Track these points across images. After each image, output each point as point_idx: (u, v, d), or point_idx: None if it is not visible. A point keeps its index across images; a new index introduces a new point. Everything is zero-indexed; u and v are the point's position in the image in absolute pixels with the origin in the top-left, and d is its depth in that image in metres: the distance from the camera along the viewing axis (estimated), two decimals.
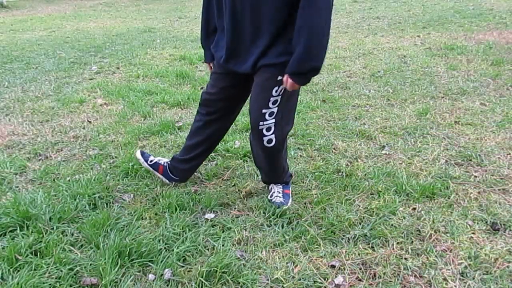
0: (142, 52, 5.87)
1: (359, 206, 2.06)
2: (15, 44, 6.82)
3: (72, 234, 1.92)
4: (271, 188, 2.14)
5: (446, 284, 1.57)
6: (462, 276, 1.61)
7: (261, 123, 1.79)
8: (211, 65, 2.04)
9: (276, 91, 1.75)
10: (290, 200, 2.10)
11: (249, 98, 1.93)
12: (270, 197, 2.10)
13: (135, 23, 9.13)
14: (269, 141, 1.84)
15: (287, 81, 1.69)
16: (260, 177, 2.24)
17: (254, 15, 1.65)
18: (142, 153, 2.33)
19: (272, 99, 1.76)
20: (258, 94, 1.79)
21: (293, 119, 1.93)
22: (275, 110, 1.79)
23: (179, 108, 3.54)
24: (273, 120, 1.80)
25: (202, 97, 2.04)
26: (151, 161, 2.30)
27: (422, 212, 1.99)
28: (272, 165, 2.02)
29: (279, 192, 2.11)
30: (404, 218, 1.95)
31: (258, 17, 1.65)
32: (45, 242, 1.82)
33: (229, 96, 1.98)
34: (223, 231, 1.92)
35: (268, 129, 1.81)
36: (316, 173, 2.36)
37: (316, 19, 1.56)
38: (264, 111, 1.78)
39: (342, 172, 2.38)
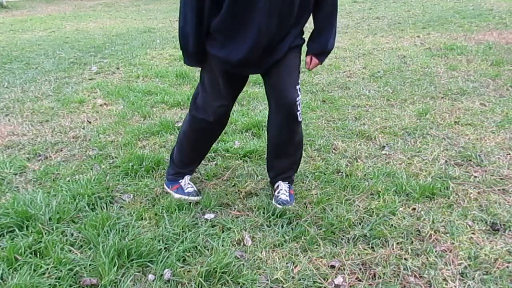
0: (142, 52, 5.87)
1: (359, 206, 2.05)
2: (14, 45, 6.82)
3: (72, 235, 1.92)
4: (278, 185, 2.14)
5: (446, 284, 1.57)
6: (462, 276, 1.61)
7: (297, 98, 1.94)
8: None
9: (300, 68, 1.99)
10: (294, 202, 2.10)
11: (272, 80, 1.95)
12: (277, 193, 2.10)
13: (135, 23, 9.13)
14: (299, 115, 1.98)
15: (312, 60, 1.99)
16: (268, 174, 2.22)
17: (289, 8, 1.76)
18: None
19: (300, 75, 1.99)
20: (290, 73, 1.92)
21: None
22: (300, 84, 1.99)
23: (179, 108, 3.54)
24: (300, 93, 1.98)
25: (214, 110, 1.98)
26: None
27: (422, 212, 1.99)
28: (300, 144, 2.12)
29: (286, 191, 2.11)
30: (404, 218, 1.95)
31: (292, 8, 1.76)
32: (45, 242, 1.82)
33: (237, 94, 2.05)
34: (222, 231, 1.92)
35: (299, 104, 1.96)
36: (316, 173, 2.36)
37: (337, 6, 1.90)
38: (297, 87, 1.95)
39: (342, 172, 2.38)
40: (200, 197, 2.14)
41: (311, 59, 1.99)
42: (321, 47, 1.96)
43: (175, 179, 2.20)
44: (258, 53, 1.81)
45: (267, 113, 2.09)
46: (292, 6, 1.75)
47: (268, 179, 2.26)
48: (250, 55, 1.81)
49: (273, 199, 2.09)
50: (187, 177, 2.21)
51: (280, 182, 2.15)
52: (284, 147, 2.08)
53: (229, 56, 1.83)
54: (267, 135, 2.16)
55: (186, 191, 2.15)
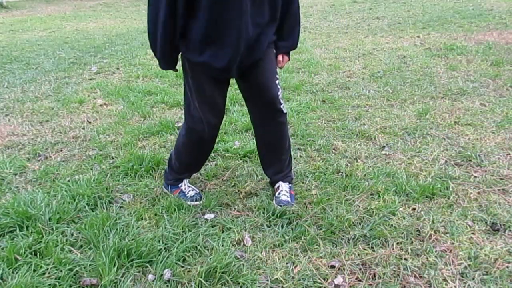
0: (142, 52, 5.87)
1: (359, 206, 2.05)
2: (14, 45, 6.82)
3: (72, 235, 1.92)
4: (279, 186, 2.14)
5: (445, 284, 1.57)
6: (462, 276, 1.61)
7: (278, 93, 1.98)
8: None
9: (276, 62, 2.02)
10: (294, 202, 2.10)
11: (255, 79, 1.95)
12: (278, 194, 2.10)
13: (135, 23, 9.13)
14: (283, 107, 2.02)
15: (284, 58, 2.01)
16: (267, 175, 2.23)
17: (259, 7, 1.77)
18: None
19: (277, 70, 2.01)
20: (269, 69, 1.94)
21: None
22: (278, 78, 2.02)
23: (179, 108, 3.54)
24: (280, 87, 2.00)
25: (209, 122, 1.96)
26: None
27: (422, 212, 1.99)
28: (288, 134, 2.12)
29: (287, 191, 2.11)
30: (404, 218, 1.95)
31: (262, 7, 1.78)
32: (45, 242, 1.82)
33: (225, 99, 2.04)
34: (222, 232, 1.92)
35: (282, 98, 2.01)
36: (316, 174, 2.36)
37: (298, 3, 1.93)
38: (277, 81, 1.98)
39: (342, 172, 2.38)
40: (203, 200, 2.14)
41: (283, 57, 2.01)
42: (293, 45, 1.99)
43: (175, 183, 2.21)
44: (239, 56, 1.79)
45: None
46: (262, 6, 1.76)
47: (268, 179, 2.26)
48: (232, 59, 1.79)
49: (274, 200, 2.09)
50: (186, 181, 2.21)
51: (280, 183, 2.15)
52: (276, 142, 2.09)
53: (212, 62, 1.80)
54: (256, 135, 2.16)
55: (188, 195, 2.15)
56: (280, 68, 2.04)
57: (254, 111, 2.06)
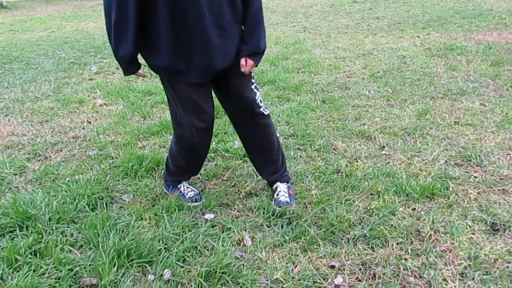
0: None
1: (359, 206, 2.05)
2: (14, 45, 6.82)
3: (72, 235, 1.92)
4: (277, 187, 2.14)
5: (445, 284, 1.57)
6: (462, 276, 1.61)
7: (256, 97, 1.94)
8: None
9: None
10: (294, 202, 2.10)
11: (230, 87, 1.92)
12: (276, 196, 2.10)
13: None
14: (264, 109, 1.99)
15: (247, 62, 1.84)
16: (263, 177, 2.23)
17: (219, 9, 1.72)
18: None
19: (252, 73, 1.95)
20: (242, 74, 1.87)
21: None
22: (255, 83, 1.98)
23: None
24: (257, 90, 1.97)
25: (197, 129, 1.91)
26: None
27: (422, 212, 1.99)
28: (275, 140, 2.10)
29: (285, 192, 2.11)
30: (404, 218, 1.95)
31: (221, 8, 1.72)
32: (45, 242, 1.82)
33: (212, 102, 1.98)
34: (222, 232, 1.92)
35: (261, 100, 1.97)
36: (315, 174, 2.36)
37: (259, 3, 1.83)
38: (252, 86, 1.95)
39: (342, 172, 2.38)
40: (203, 200, 2.13)
41: (246, 61, 1.85)
42: (255, 48, 1.84)
43: (174, 185, 2.21)
44: (206, 57, 1.75)
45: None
46: (222, 7, 1.71)
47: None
48: (193, 62, 1.75)
49: (273, 202, 2.09)
50: (184, 182, 2.21)
51: (278, 184, 2.15)
52: (263, 144, 2.08)
53: (176, 66, 1.76)
54: (242, 141, 2.15)
55: (187, 196, 2.15)
56: (244, 73, 1.86)
57: (234, 118, 2.05)
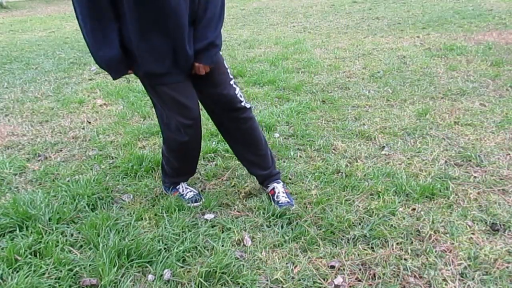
0: None
1: (359, 206, 2.05)
2: (14, 45, 6.82)
3: (72, 235, 1.92)
4: (274, 188, 2.13)
5: (445, 284, 1.57)
6: (462, 276, 1.61)
7: (236, 92, 1.94)
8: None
9: (225, 64, 1.95)
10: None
11: (206, 84, 1.91)
12: (276, 198, 2.09)
13: None
14: (245, 104, 1.99)
15: (199, 64, 1.80)
16: (255, 173, 2.21)
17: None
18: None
19: (228, 70, 1.96)
20: (219, 71, 1.88)
21: None
22: (233, 78, 1.98)
23: None
24: (236, 86, 1.97)
25: (185, 128, 1.88)
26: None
27: (422, 212, 1.99)
28: (261, 134, 2.11)
29: (283, 192, 2.11)
30: (404, 218, 1.95)
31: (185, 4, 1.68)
32: (45, 242, 1.82)
33: (196, 98, 1.94)
34: (222, 232, 1.92)
35: (241, 95, 1.98)
36: (315, 174, 2.36)
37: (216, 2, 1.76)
38: (231, 82, 1.94)
39: (342, 172, 2.38)
40: (203, 200, 2.13)
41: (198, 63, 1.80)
42: (202, 48, 1.76)
43: (172, 186, 2.21)
44: (180, 56, 1.73)
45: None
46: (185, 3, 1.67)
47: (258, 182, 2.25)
48: (171, 61, 1.74)
49: (273, 204, 2.08)
50: (183, 183, 2.21)
51: (275, 185, 2.15)
52: (250, 138, 2.08)
53: (152, 69, 1.74)
54: (228, 140, 2.15)
55: (186, 197, 2.15)
56: (198, 74, 1.84)
57: (217, 118, 2.04)
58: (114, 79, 1.78)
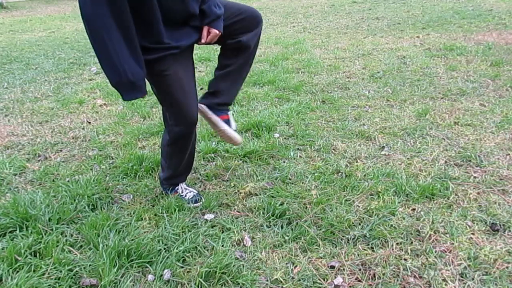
0: None
1: (359, 206, 2.06)
2: (14, 45, 6.82)
3: (72, 235, 1.92)
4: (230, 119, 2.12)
5: (445, 284, 1.57)
6: (462, 276, 1.61)
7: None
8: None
9: None
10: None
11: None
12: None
13: None
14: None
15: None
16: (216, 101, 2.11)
17: None
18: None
19: None
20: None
21: None
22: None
23: None
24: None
25: (194, 113, 1.89)
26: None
27: (422, 212, 1.99)
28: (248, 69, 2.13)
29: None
30: (404, 218, 1.95)
31: None
32: (45, 242, 1.82)
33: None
34: (222, 232, 1.92)
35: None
36: (315, 174, 2.36)
37: None
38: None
39: (342, 172, 2.38)
40: (203, 200, 2.13)
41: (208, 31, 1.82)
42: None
43: (172, 187, 2.21)
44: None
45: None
46: None
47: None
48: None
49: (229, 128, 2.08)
50: (182, 184, 2.21)
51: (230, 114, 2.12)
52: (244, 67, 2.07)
53: (179, 42, 1.73)
54: (234, 62, 2.05)
55: (186, 198, 2.15)
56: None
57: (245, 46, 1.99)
58: (130, 99, 1.68)
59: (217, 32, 1.81)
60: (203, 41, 1.83)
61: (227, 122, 2.09)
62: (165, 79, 1.79)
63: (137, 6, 1.57)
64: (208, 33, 1.81)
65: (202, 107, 2.04)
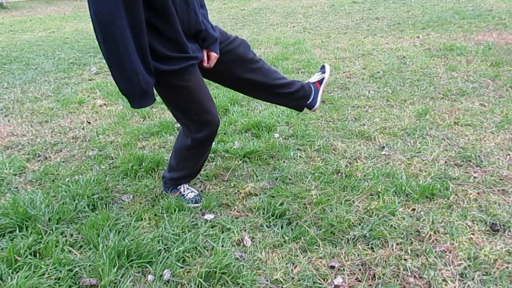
0: None
1: (359, 206, 2.06)
2: (14, 45, 6.82)
3: (71, 235, 1.92)
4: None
5: (445, 285, 1.57)
6: (462, 277, 1.61)
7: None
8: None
9: None
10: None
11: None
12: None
13: None
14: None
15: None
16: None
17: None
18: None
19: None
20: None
21: None
22: None
23: None
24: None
25: (215, 116, 1.91)
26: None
27: (422, 212, 1.99)
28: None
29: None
30: (404, 218, 1.95)
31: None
32: (44, 243, 1.82)
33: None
34: (222, 232, 1.92)
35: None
36: (315, 174, 2.36)
37: None
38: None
39: (342, 172, 2.38)
40: (203, 201, 2.13)
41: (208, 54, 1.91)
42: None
43: (174, 187, 2.21)
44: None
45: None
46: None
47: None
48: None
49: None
50: (184, 184, 2.21)
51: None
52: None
53: (195, 53, 1.77)
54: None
55: (187, 197, 2.15)
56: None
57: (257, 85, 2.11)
58: (140, 107, 1.70)
59: (215, 55, 1.88)
60: (205, 64, 1.89)
61: None
62: (189, 88, 1.80)
63: (160, 15, 1.59)
64: (208, 56, 1.88)
65: None
